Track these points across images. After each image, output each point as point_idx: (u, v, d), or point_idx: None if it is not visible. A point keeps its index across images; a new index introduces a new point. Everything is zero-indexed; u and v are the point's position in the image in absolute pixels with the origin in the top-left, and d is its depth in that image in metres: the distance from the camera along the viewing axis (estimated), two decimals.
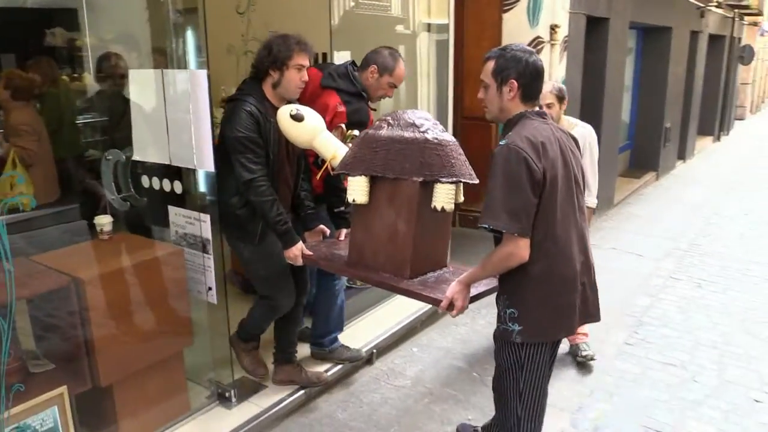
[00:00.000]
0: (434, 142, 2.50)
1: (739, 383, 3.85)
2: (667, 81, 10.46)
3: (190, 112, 2.81)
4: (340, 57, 4.12)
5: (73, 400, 2.59)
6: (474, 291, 2.40)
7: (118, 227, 3.08)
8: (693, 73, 12.81)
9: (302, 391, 3.38)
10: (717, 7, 14.09)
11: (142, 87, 3.07)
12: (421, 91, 5.50)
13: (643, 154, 10.67)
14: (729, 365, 4.08)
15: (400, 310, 4.32)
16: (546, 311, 2.28)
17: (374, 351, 3.90)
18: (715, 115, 16.36)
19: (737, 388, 3.80)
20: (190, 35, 3.50)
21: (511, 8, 5.73)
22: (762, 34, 25.32)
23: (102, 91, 3.84)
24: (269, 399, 3.29)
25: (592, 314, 2.42)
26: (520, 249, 2.16)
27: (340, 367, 3.66)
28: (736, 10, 16.92)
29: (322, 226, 3.27)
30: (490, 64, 2.32)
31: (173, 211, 3.14)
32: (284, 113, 2.84)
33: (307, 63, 2.94)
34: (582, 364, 3.90)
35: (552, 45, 5.84)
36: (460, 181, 2.53)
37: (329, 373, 3.56)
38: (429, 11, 5.21)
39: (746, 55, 18.59)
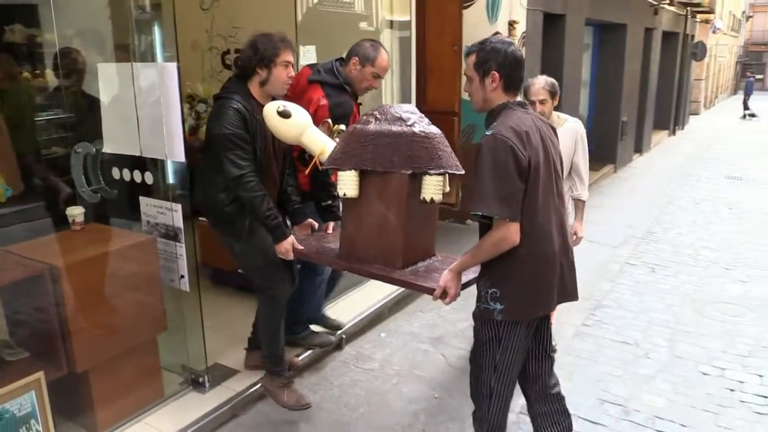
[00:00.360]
0: (421, 135, 2.58)
1: (688, 358, 4.09)
2: (623, 76, 10.80)
3: (161, 105, 2.89)
4: (306, 51, 4.22)
5: (48, 387, 2.65)
6: (464, 278, 2.47)
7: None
8: (648, 69, 13.21)
9: None
10: (670, 5, 14.55)
11: (112, 80, 3.13)
12: (384, 86, 5.63)
13: (601, 147, 10.99)
14: (679, 342, 4.32)
15: (367, 297, 4.46)
16: (526, 291, 2.39)
17: (343, 336, 4.03)
18: (671, 110, 16.88)
19: (686, 362, 4.03)
20: (157, 30, 3.58)
21: (471, 4, 5.90)
22: (714, 32, 26.10)
23: (63, 87, 3.85)
24: (242, 383, 3.39)
25: (570, 293, 2.53)
26: (512, 233, 2.26)
27: (310, 352, 3.77)
28: (688, 8, 17.46)
29: (310, 220, 3.31)
30: (472, 58, 2.42)
31: (144, 201, 3.21)
32: (271, 110, 2.86)
33: (292, 59, 2.98)
34: None
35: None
36: (447, 173, 2.61)
37: (300, 358, 3.68)
38: (391, 8, 5.34)
39: (699, 51, 19.17)
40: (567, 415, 2.75)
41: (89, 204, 3.30)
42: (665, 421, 3.37)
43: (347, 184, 2.64)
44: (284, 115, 2.83)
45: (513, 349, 2.48)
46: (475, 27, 5.97)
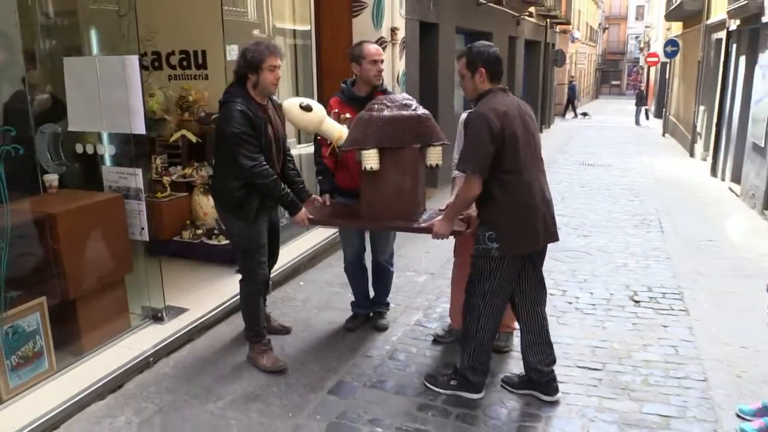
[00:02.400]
0: (424, 116, 3.37)
1: None
2: None
3: (125, 89, 3.64)
4: (231, 49, 5.02)
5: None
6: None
7: None
8: (514, 74, 14.88)
9: (222, 307, 4.31)
10: (530, 16, 16.40)
11: (78, 70, 3.82)
12: (288, 86, 6.50)
13: None
14: None
15: (287, 254, 5.31)
16: (515, 232, 3.07)
17: (270, 283, 4.85)
18: (537, 111, 18.85)
19: None
20: (93, 33, 4.30)
21: (359, 14, 6.88)
22: (573, 41, 28.94)
23: None
24: (194, 316, 4.18)
25: (552, 236, 3.22)
26: (474, 186, 2.98)
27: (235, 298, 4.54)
28: (547, 19, 19.56)
29: (314, 196, 3.81)
30: (463, 60, 3.13)
31: (107, 169, 3.93)
32: (294, 105, 3.33)
33: (278, 63, 3.39)
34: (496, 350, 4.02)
35: (393, 44, 7.08)
36: (444, 144, 3.42)
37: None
38: (294, 19, 6.25)
39: (559, 58, 21.47)
40: (551, 347, 3.43)
41: None
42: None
43: (371, 159, 3.25)
44: (307, 108, 3.33)
45: (502, 278, 3.17)
46: (363, 33, 6.94)
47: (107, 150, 3.90)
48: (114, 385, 3.44)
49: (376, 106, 3.36)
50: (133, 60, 3.64)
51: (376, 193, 3.39)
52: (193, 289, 4.62)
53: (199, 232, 5.32)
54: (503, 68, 3.20)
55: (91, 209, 3.64)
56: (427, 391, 3.51)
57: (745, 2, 8.74)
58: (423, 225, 3.41)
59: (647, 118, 24.29)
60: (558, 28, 22.67)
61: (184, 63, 5.88)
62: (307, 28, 6.21)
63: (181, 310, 4.24)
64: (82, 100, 3.84)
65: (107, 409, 3.28)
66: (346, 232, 4.14)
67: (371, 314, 4.42)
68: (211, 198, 5.41)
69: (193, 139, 5.57)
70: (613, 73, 56.89)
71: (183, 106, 5.80)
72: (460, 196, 3.18)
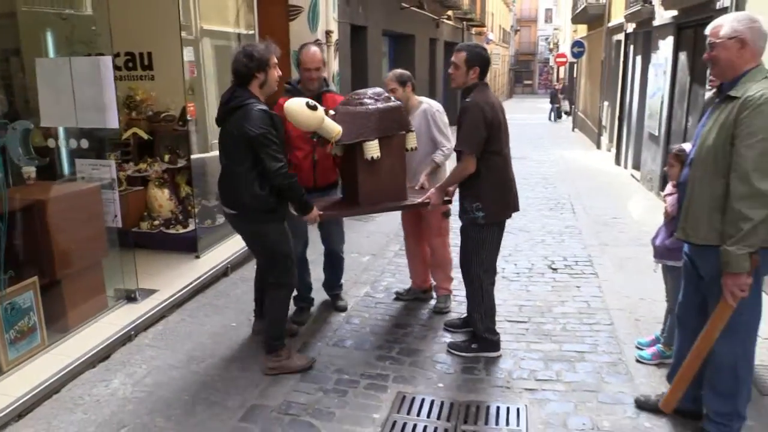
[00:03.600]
0: (402, 107, 3.79)
1: None
2: (414, 79, 12.94)
3: (99, 87, 3.98)
4: (187, 51, 5.38)
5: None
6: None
7: None
8: (434, 74, 15.66)
9: (188, 288, 4.70)
10: (448, 19, 17.27)
11: (50, 70, 4.12)
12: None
13: None
14: None
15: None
16: (497, 203, 3.62)
17: (229, 266, 5.30)
18: (456, 109, 19.73)
19: None
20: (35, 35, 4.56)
21: (295, 18, 7.34)
22: (488, 43, 30.20)
23: None
24: (165, 295, 4.55)
25: (517, 207, 3.84)
26: (470, 164, 3.52)
27: (199, 279, 4.99)
28: (464, 22, 20.55)
29: None
30: (463, 54, 3.61)
31: (80, 162, 4.25)
32: (300, 104, 3.36)
33: (276, 60, 3.48)
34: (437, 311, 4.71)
35: (328, 46, 7.59)
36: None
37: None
38: (238, 23, 6.63)
39: None
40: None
41: None
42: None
43: (375, 149, 3.55)
44: (314, 108, 3.39)
45: (491, 244, 3.74)
46: (300, 35, 7.40)
47: (65, 144, 4.24)
48: (102, 355, 3.79)
49: (365, 100, 3.66)
50: (107, 60, 3.99)
51: (375, 180, 3.70)
52: (159, 274, 4.97)
53: (157, 222, 5.64)
54: (489, 69, 3.73)
55: (74, 197, 3.98)
56: (383, 345, 4.07)
57: (639, 8, 9.80)
58: (419, 200, 3.83)
59: (559, 116, 25.71)
60: (474, 30, 23.80)
61: (130, 64, 6.15)
62: (252, 32, 6.61)
63: (151, 291, 4.60)
64: (54, 98, 4.14)
65: (101, 375, 3.65)
66: (297, 228, 4.13)
67: (329, 297, 4.80)
68: (166, 191, 5.79)
69: (145, 136, 5.88)
70: (525, 73, 59.40)
71: (130, 105, 6.08)
72: (456, 171, 3.66)
